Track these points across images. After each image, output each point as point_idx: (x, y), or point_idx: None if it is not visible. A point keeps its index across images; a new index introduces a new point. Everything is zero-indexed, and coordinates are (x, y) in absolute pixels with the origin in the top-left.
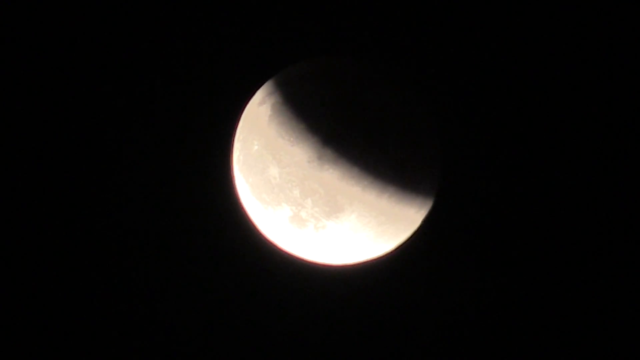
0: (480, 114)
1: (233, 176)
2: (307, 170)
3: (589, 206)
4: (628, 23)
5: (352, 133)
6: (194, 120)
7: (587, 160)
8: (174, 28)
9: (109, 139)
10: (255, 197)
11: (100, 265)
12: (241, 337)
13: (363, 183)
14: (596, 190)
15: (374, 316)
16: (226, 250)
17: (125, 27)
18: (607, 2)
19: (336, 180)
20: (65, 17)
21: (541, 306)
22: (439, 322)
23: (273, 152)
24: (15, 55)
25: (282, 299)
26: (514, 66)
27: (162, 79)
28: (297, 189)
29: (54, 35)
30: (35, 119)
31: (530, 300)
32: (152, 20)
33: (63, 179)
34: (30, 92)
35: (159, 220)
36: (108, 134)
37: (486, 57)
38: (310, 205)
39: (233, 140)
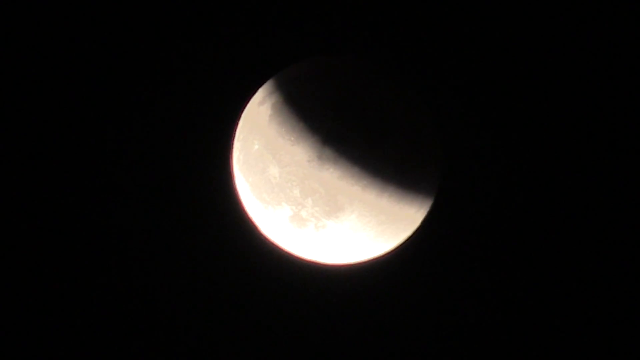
0: (481, 114)
1: (233, 176)
2: (308, 169)
3: (589, 206)
4: (628, 23)
5: (353, 132)
6: (194, 119)
7: (587, 160)
8: (173, 28)
9: (109, 138)
10: (255, 196)
11: (100, 264)
12: (240, 336)
13: (363, 182)
14: (596, 190)
15: (373, 316)
16: (226, 250)
17: (125, 27)
18: (608, 2)
19: (336, 180)
20: (65, 17)
21: (541, 306)
22: (439, 322)
23: (273, 151)
24: (15, 55)
25: (282, 299)
26: (515, 66)
27: (162, 79)
28: (297, 188)
29: (53, 35)
30: (34, 118)
31: (530, 300)
32: (152, 20)
33: (62, 178)
34: (29, 92)
35: (159, 219)
36: (108, 133)
37: (486, 57)
38: (310, 205)
39: (233, 139)
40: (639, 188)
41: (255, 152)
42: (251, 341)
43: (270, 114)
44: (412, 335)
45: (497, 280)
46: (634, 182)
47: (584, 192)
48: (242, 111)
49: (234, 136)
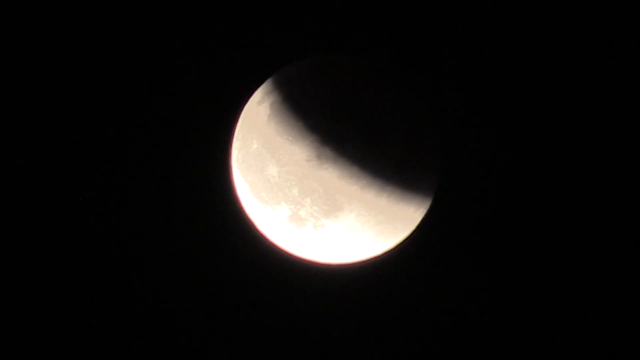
0: (479, 114)
1: (232, 175)
2: (306, 169)
3: (589, 206)
4: (628, 23)
5: (351, 132)
6: (193, 119)
7: (586, 160)
8: (173, 28)
9: (108, 137)
10: (254, 196)
11: (99, 264)
12: (239, 335)
13: (362, 182)
14: (596, 190)
15: (372, 315)
16: (225, 249)
17: (124, 27)
18: (607, 2)
19: (335, 179)
20: (65, 17)
21: (540, 305)
22: (438, 321)
23: (272, 151)
24: (15, 55)
25: (281, 298)
26: (514, 66)
27: (161, 79)
28: (296, 187)
29: (52, 34)
30: (33, 118)
31: (529, 299)
32: (152, 20)
33: (62, 178)
34: (29, 92)
35: (158, 219)
36: (107, 132)
37: (485, 57)
38: (309, 204)
39: (232, 139)
40: (638, 188)
41: (254, 151)
42: (250, 340)
43: (269, 113)
44: (411, 335)
45: (496, 279)
46: (633, 181)
47: (582, 192)
48: (241, 110)
49: (232, 135)
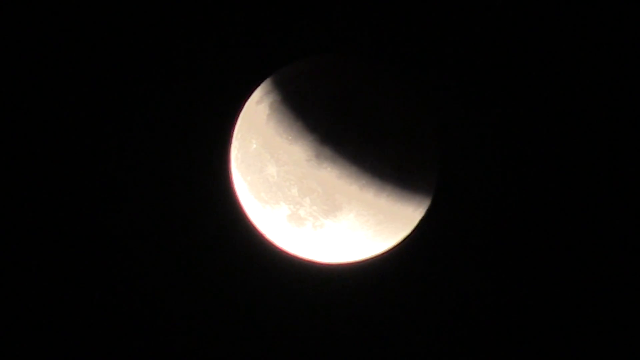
0: (479, 114)
1: (231, 175)
2: (306, 168)
3: (588, 206)
4: (628, 23)
5: (350, 132)
6: (192, 118)
7: (584, 160)
8: (172, 27)
9: (107, 137)
10: (253, 195)
11: (98, 264)
12: (238, 335)
13: (361, 182)
14: (594, 190)
15: (371, 315)
16: (224, 249)
17: (123, 26)
18: (607, 2)
19: (334, 179)
20: (64, 17)
21: (539, 305)
22: (437, 321)
23: (271, 150)
24: (15, 55)
25: (280, 298)
26: (513, 66)
27: (160, 78)
28: (295, 187)
29: (51, 34)
30: (32, 117)
31: (528, 299)
32: (151, 20)
33: (61, 178)
34: (28, 92)
35: (157, 218)
36: (106, 132)
37: (485, 57)
38: (308, 204)
39: (231, 138)
40: (638, 187)
41: (253, 151)
42: (249, 340)
43: (268, 113)
44: (410, 334)
45: (495, 279)
46: (633, 181)
47: (581, 192)
48: (240, 110)
49: (232, 135)
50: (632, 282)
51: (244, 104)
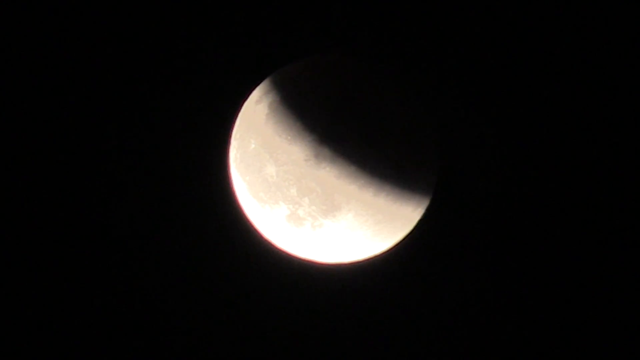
0: (478, 113)
1: (230, 174)
2: (304, 168)
3: (587, 205)
4: (627, 23)
5: (349, 131)
6: (191, 118)
7: (584, 160)
8: (171, 27)
9: (106, 137)
10: (252, 195)
11: (97, 264)
12: (237, 335)
13: (360, 182)
14: (594, 189)
15: (370, 315)
16: (223, 249)
17: (122, 26)
18: (605, 2)
19: (333, 179)
20: (63, 17)
21: (539, 305)
22: (436, 321)
23: (270, 150)
24: (15, 54)
25: (279, 298)
26: (512, 66)
27: (159, 78)
28: (294, 187)
29: (50, 34)
30: (31, 117)
31: (527, 298)
32: (150, 20)
33: (59, 178)
34: (28, 91)
35: (156, 218)
36: (105, 132)
37: (484, 57)
38: (307, 204)
39: (230, 138)
40: (637, 186)
41: (252, 151)
42: (248, 340)
43: (267, 112)
44: (409, 334)
45: (494, 279)
46: (632, 180)
47: (581, 192)
48: (239, 110)
49: (230, 135)
50: (632, 282)
51: (242, 103)
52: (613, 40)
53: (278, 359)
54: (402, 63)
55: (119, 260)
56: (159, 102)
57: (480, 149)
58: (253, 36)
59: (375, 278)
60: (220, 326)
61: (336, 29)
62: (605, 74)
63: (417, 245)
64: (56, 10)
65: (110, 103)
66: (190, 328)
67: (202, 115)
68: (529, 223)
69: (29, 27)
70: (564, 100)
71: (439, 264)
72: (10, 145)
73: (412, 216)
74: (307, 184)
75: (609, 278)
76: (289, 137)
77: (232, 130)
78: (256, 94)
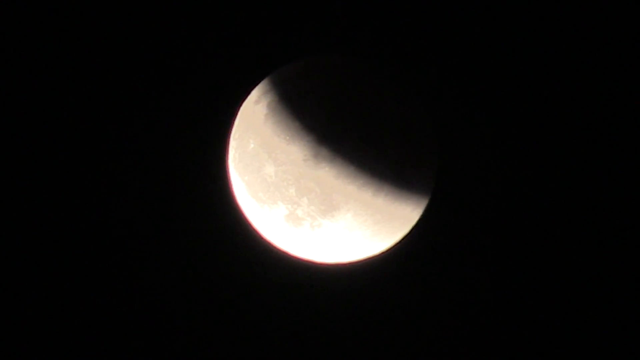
0: (477, 114)
1: (229, 174)
2: (303, 168)
3: (585, 205)
4: (625, 23)
5: (348, 131)
6: (190, 118)
7: (583, 160)
8: (170, 27)
9: (105, 136)
10: (251, 195)
11: (95, 264)
12: (235, 335)
13: (359, 182)
14: (593, 189)
15: (369, 315)
16: (222, 249)
17: (121, 26)
18: (607, 2)
19: (332, 179)
20: (61, 16)
21: (537, 305)
22: (435, 321)
23: (269, 150)
24: (14, 54)
25: (278, 298)
26: (511, 66)
27: (158, 78)
28: (293, 187)
29: (48, 34)
30: (29, 117)
31: (526, 298)
32: (148, 20)
33: (57, 178)
34: (27, 91)
35: (154, 219)
36: (103, 131)
37: (483, 57)
38: (306, 204)
39: (229, 138)
40: (637, 187)
41: (250, 150)
42: (246, 340)
43: (266, 112)
44: (408, 334)
45: (493, 279)
46: (631, 180)
47: (580, 192)
48: (237, 110)
49: (229, 135)
50: (632, 281)
51: (241, 103)
52: (612, 40)
53: (277, 359)
54: (400, 63)
55: (117, 260)
56: (158, 102)
57: (479, 150)
58: (251, 36)
59: (373, 278)
60: (218, 326)
61: (334, 29)
62: (605, 74)
63: (415, 245)
64: (56, 10)
65: (109, 103)
66: (188, 328)
67: (201, 115)
68: (527, 223)
69: (29, 27)
70: (563, 100)
71: (437, 264)
72: (10, 145)
73: (411, 216)
74: (305, 184)
75: (608, 278)
76: (288, 137)
77: (231, 130)
78: (255, 94)
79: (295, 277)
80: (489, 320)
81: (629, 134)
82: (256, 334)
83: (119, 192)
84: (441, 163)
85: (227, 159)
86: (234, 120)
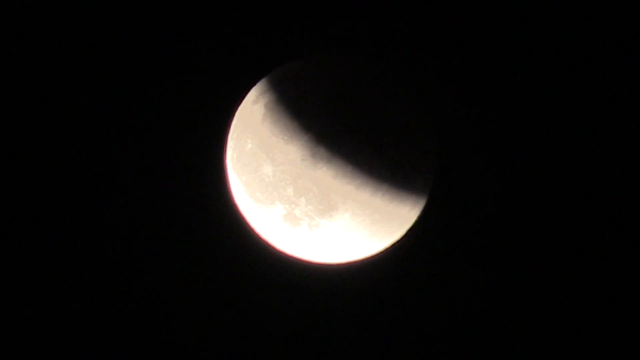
0: (476, 114)
1: (227, 174)
2: (301, 168)
3: (584, 205)
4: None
5: (346, 131)
6: (188, 118)
7: (581, 160)
8: (167, 27)
9: (102, 136)
10: (248, 195)
11: (93, 263)
12: (233, 335)
13: (357, 181)
14: (592, 189)
15: (367, 314)
16: (219, 249)
17: (119, 26)
18: (607, 2)
19: (330, 179)
20: (60, 16)
21: (535, 304)
22: (433, 320)
23: (267, 150)
24: (13, 54)
25: (276, 298)
26: (510, 66)
27: (156, 78)
28: (290, 187)
29: (47, 33)
30: (27, 116)
31: (524, 298)
32: (147, 20)
33: (55, 177)
34: (25, 91)
35: (152, 218)
36: (101, 131)
37: (482, 57)
38: (304, 204)
39: (227, 138)
40: (636, 187)
41: (248, 150)
42: (244, 340)
43: (264, 112)
44: (406, 334)
45: (491, 278)
46: (630, 180)
47: (578, 192)
48: (235, 110)
49: (227, 135)
50: (631, 281)
51: (239, 103)
52: (612, 40)
53: (275, 359)
54: (399, 63)
55: (114, 260)
56: (156, 102)
57: (477, 150)
58: (249, 36)
59: (371, 278)
60: (216, 326)
61: (332, 29)
62: (605, 74)
63: (413, 245)
64: (55, 9)
65: (107, 103)
66: (186, 328)
67: (198, 115)
68: (525, 223)
69: (29, 26)
70: (562, 100)
71: (435, 264)
72: (9, 145)
73: (409, 216)
74: (303, 184)
75: (608, 278)
76: (286, 137)
77: (228, 130)
78: (253, 94)
79: (293, 277)
80: (487, 319)
81: (628, 134)
82: (253, 334)
83: (117, 192)
84: (439, 163)
85: (225, 158)
86: (232, 120)
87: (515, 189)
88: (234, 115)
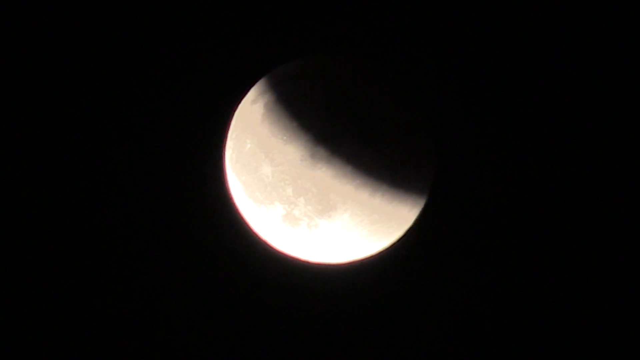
0: (475, 114)
1: (226, 175)
2: (300, 168)
3: (584, 206)
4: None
5: (345, 131)
6: (187, 118)
7: (580, 161)
8: (166, 27)
9: (101, 136)
10: (248, 195)
11: (92, 264)
12: (232, 335)
13: (356, 181)
14: (591, 190)
15: (366, 315)
16: (218, 249)
17: (118, 26)
18: (607, 2)
19: (329, 179)
20: (59, 16)
21: (535, 305)
22: (432, 321)
23: (266, 150)
24: (14, 54)
25: (275, 298)
26: (510, 66)
27: (155, 78)
28: (290, 187)
29: (46, 33)
30: (26, 116)
31: (524, 298)
32: (145, 20)
33: (54, 177)
34: (23, 91)
35: (151, 219)
36: (100, 132)
37: (481, 57)
38: (303, 204)
39: (226, 138)
40: (635, 187)
41: (247, 151)
42: (243, 340)
43: (263, 112)
44: (405, 335)
45: (490, 279)
46: (630, 180)
47: (577, 192)
48: (234, 110)
49: (226, 135)
50: (631, 281)
51: (238, 103)
52: (612, 40)
53: (274, 359)
54: (398, 63)
55: (113, 260)
56: (155, 101)
57: (477, 150)
58: (248, 36)
59: (371, 278)
60: (215, 326)
61: (332, 29)
62: (605, 74)
63: (413, 245)
64: (55, 9)
65: (106, 103)
66: (185, 328)
67: (197, 115)
68: (525, 224)
69: (29, 26)
70: (562, 101)
71: (434, 264)
72: (9, 145)
73: (408, 216)
74: (302, 184)
75: (608, 278)
76: (285, 137)
77: (227, 131)
78: (252, 94)
79: (292, 277)
80: (486, 320)
81: (628, 134)
82: (252, 334)
83: (115, 192)
84: (438, 163)
85: (224, 159)
86: (231, 120)
87: (515, 189)
88: (233, 115)
